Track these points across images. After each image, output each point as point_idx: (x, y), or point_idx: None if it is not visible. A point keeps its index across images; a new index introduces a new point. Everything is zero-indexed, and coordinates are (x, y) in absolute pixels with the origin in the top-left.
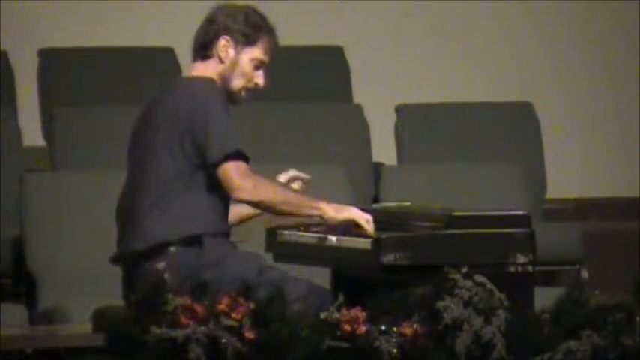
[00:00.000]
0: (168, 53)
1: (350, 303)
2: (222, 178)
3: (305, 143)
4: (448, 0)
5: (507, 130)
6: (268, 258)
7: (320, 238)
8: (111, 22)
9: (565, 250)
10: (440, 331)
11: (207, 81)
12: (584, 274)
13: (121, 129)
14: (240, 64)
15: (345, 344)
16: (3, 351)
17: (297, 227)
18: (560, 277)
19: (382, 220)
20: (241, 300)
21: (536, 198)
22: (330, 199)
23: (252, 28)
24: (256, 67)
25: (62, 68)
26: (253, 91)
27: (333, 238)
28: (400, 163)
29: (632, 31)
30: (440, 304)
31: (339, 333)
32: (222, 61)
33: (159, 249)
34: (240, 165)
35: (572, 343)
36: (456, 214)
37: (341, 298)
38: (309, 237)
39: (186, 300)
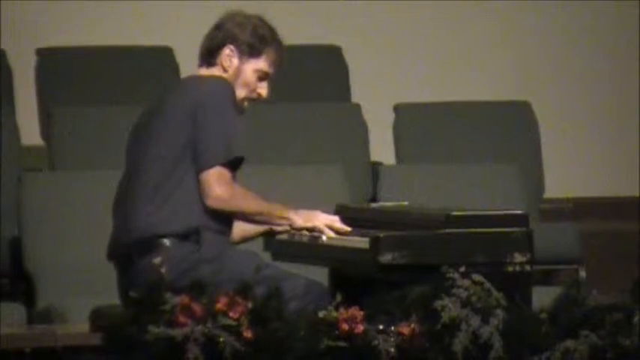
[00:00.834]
0: (167, 53)
1: (348, 302)
2: (202, 183)
3: (304, 142)
4: (446, 0)
5: (505, 130)
6: (266, 257)
7: (318, 237)
8: (109, 22)
9: (563, 250)
10: (437, 330)
11: (218, 78)
12: (582, 273)
13: (119, 128)
14: (243, 74)
15: (342, 343)
16: (1, 350)
17: None
18: (558, 277)
19: (380, 220)
20: (239, 299)
21: (534, 198)
22: (327, 199)
23: (259, 39)
24: (260, 79)
25: (60, 67)
26: (256, 101)
27: (328, 238)
28: (398, 162)
29: (629, 31)
30: (438, 304)
31: (336, 332)
32: (225, 70)
33: (154, 242)
34: (224, 174)
35: (570, 343)
36: (454, 213)
37: (339, 298)
38: (307, 236)
39: (184, 299)
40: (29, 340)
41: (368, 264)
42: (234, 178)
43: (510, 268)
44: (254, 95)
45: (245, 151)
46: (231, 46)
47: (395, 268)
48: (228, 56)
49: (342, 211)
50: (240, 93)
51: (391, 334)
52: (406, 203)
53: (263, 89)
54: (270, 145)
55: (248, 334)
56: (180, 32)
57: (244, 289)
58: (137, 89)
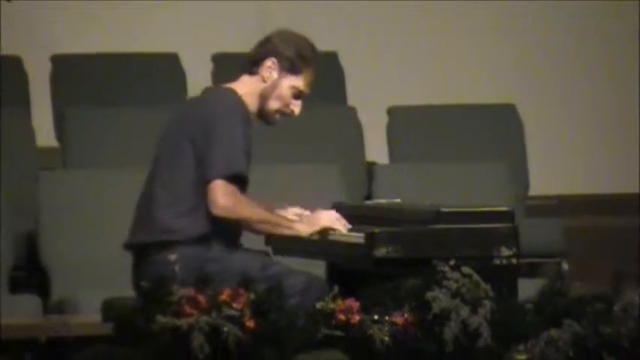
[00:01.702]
0: (173, 59)
1: (344, 294)
2: (208, 193)
3: (302, 143)
4: (437, 4)
5: (492, 131)
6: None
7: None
8: (119, 30)
9: (547, 244)
10: (429, 320)
11: (232, 94)
12: (565, 266)
13: (128, 129)
14: (279, 87)
15: (339, 333)
16: (18, 339)
17: None
18: (542, 270)
19: (374, 216)
20: (242, 291)
21: (519, 195)
22: (325, 197)
23: (301, 58)
24: (295, 96)
25: (73, 73)
26: (287, 116)
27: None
28: (392, 162)
29: (612, 33)
30: (429, 295)
31: (334, 322)
32: (264, 81)
33: (169, 244)
34: (229, 186)
35: (553, 332)
36: (445, 210)
37: (336, 290)
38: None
39: (190, 291)
40: (44, 329)
41: (363, 258)
42: (242, 189)
43: (497, 262)
44: (287, 110)
45: (247, 169)
46: (274, 59)
47: (389, 261)
48: (269, 68)
49: (339, 209)
50: (274, 105)
51: (385, 324)
52: (399, 201)
53: (297, 107)
54: (270, 145)
55: (250, 324)
56: (185, 40)
57: (246, 283)
58: (145, 93)
